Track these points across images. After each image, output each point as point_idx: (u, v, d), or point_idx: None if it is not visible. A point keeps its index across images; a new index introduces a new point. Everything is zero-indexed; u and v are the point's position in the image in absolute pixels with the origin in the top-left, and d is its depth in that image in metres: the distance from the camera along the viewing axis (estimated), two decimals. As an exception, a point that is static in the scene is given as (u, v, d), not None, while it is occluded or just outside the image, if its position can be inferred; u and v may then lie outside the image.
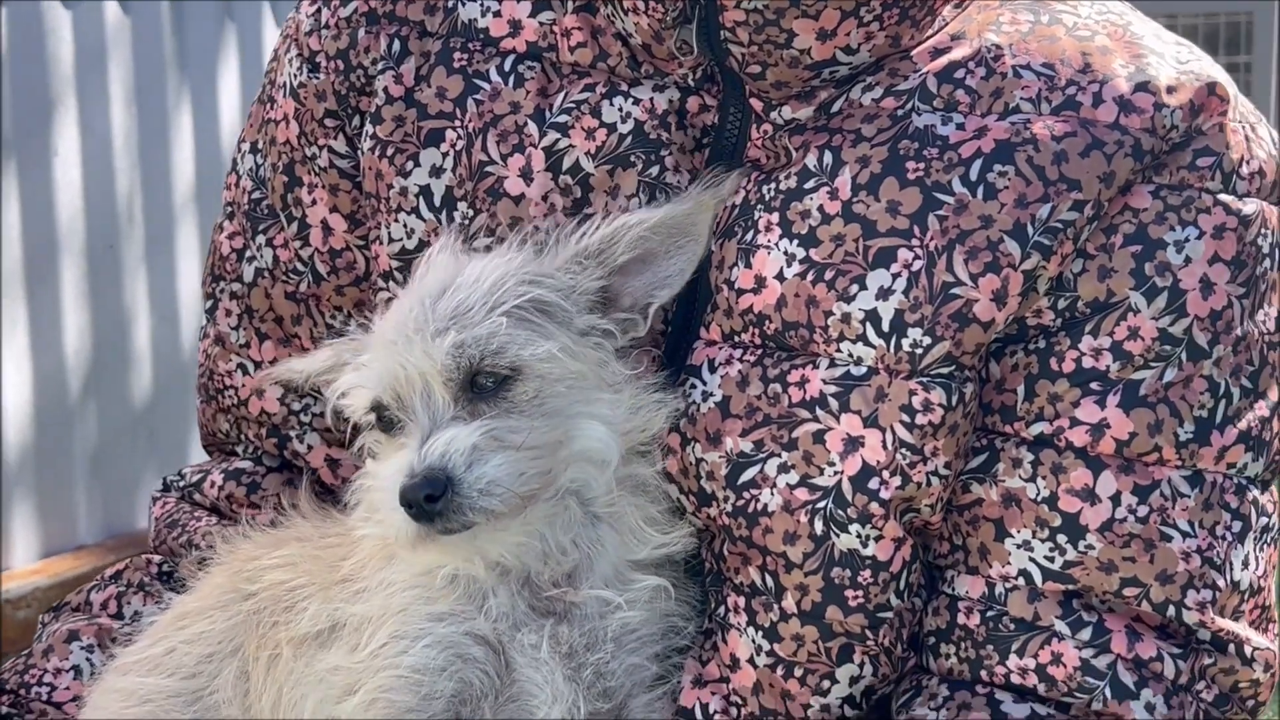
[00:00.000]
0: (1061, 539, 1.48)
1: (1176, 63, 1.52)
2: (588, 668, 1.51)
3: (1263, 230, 1.49)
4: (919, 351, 1.47)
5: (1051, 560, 1.49)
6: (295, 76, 1.77)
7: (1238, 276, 1.48)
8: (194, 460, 4.21)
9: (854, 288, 1.49)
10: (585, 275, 1.49)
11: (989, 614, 1.51)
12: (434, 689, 1.50)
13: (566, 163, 1.61)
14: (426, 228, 1.66)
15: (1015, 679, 1.50)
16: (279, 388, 1.85)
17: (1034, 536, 1.49)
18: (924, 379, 1.47)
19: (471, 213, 1.64)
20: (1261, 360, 1.50)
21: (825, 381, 1.49)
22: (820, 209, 1.51)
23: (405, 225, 1.67)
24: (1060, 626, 1.48)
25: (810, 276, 1.51)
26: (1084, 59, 1.51)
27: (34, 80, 3.61)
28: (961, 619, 1.53)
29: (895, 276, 1.48)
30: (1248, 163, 1.49)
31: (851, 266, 1.50)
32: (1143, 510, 1.47)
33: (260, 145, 1.84)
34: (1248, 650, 1.49)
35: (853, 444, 1.48)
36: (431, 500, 1.38)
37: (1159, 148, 1.48)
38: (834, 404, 1.49)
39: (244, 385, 1.87)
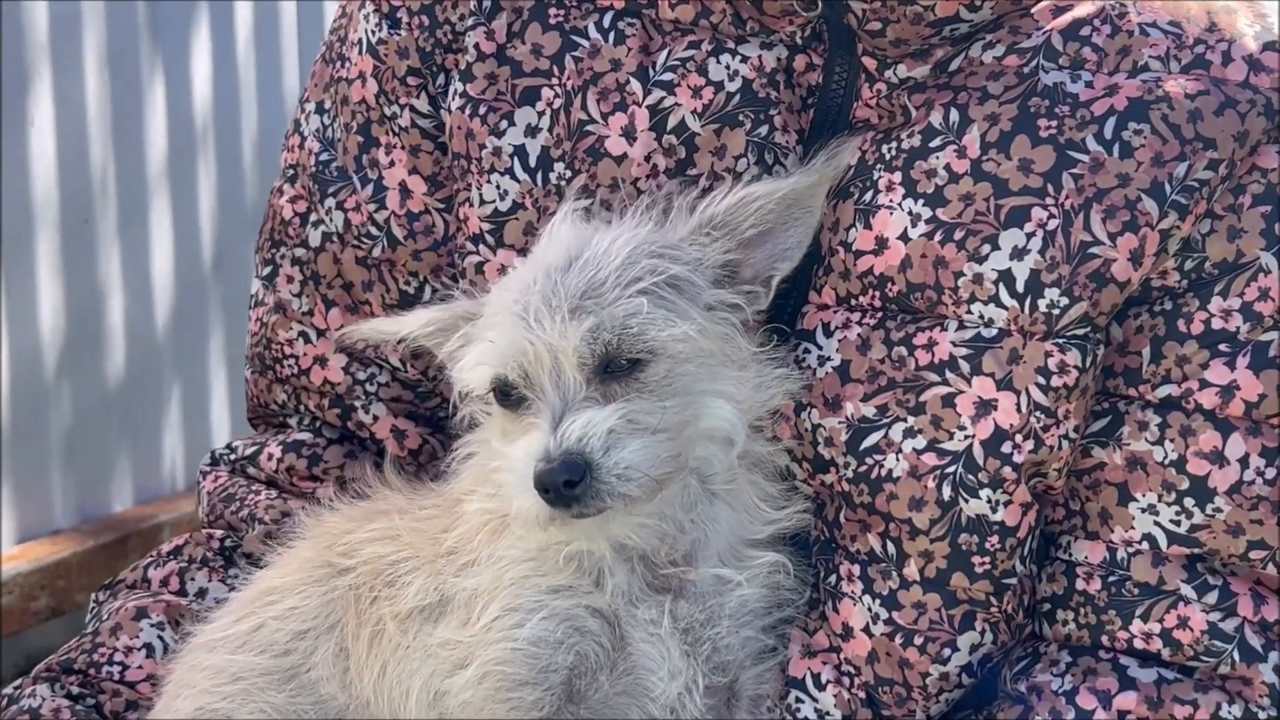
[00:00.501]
0: (1189, 502, 1.47)
1: None
2: (705, 643, 1.48)
3: None
4: (1056, 312, 1.45)
5: (1178, 524, 1.47)
6: (373, 33, 1.70)
7: None
8: (167, 444, 4.13)
9: (986, 247, 1.46)
10: (713, 248, 1.45)
11: (1110, 579, 1.50)
12: (551, 662, 1.45)
13: (671, 122, 1.56)
14: (521, 189, 1.61)
15: (1139, 644, 1.48)
16: (343, 357, 1.79)
17: (1160, 500, 1.48)
18: (1060, 340, 1.45)
19: (569, 173, 1.59)
20: None
21: (955, 344, 1.47)
22: (947, 167, 1.48)
23: (498, 186, 1.62)
24: (1186, 590, 1.47)
25: (938, 236, 1.48)
26: (1209, 17, 1.50)
27: (10, 49, 3.49)
28: (1080, 584, 1.51)
29: (1030, 236, 1.46)
30: None
31: (982, 226, 1.47)
32: (1270, 473, 1.46)
33: (328, 105, 1.77)
34: None
35: (985, 407, 1.46)
36: (570, 485, 1.34)
37: None
38: (965, 366, 1.46)
39: (306, 354, 1.80)
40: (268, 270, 1.84)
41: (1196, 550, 1.48)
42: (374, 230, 1.74)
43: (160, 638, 1.69)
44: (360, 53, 1.72)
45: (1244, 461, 1.46)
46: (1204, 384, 1.47)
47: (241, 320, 4.33)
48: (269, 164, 4.46)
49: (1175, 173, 1.44)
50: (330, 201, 1.76)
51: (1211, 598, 1.47)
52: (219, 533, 1.80)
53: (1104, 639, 1.50)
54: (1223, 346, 1.47)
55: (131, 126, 3.88)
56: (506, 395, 1.42)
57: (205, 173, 4.17)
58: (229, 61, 4.23)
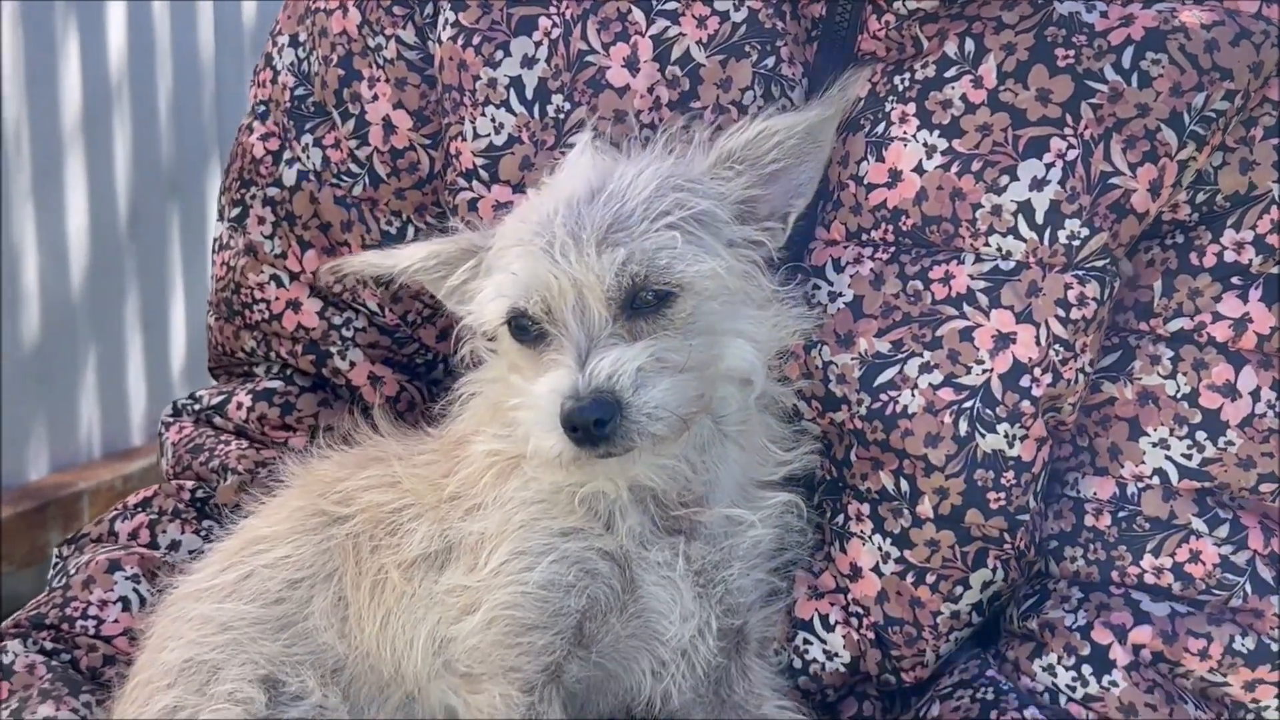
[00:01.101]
0: (1201, 435, 1.47)
1: None
2: (718, 584, 1.44)
3: None
4: (1076, 243, 1.43)
5: (1189, 458, 1.47)
6: None
7: None
8: (84, 410, 4.00)
9: (1004, 179, 1.44)
10: (736, 183, 1.40)
11: (1120, 514, 1.49)
12: (562, 606, 1.41)
13: (676, 52, 1.52)
14: (518, 122, 1.55)
15: (1150, 578, 1.48)
16: (318, 301, 1.73)
17: (1171, 434, 1.47)
18: (1080, 272, 1.44)
19: (569, 105, 1.54)
20: None
21: (972, 277, 1.45)
22: (963, 98, 1.46)
23: (493, 120, 1.56)
24: (1197, 524, 1.47)
25: (955, 168, 1.46)
26: None
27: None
28: (1089, 521, 1.50)
29: (1049, 166, 1.44)
30: None
31: (1000, 157, 1.45)
32: None
33: (303, 38, 1.70)
34: None
35: (1004, 340, 1.44)
36: (600, 425, 1.28)
37: None
38: (983, 300, 1.44)
39: (278, 298, 1.74)
40: (236, 211, 1.76)
41: (1208, 484, 1.47)
42: (355, 168, 1.67)
43: (136, 590, 1.62)
44: None
45: (1255, 394, 1.46)
46: (1217, 317, 1.47)
47: (158, 282, 4.23)
48: (187, 122, 4.33)
49: (1194, 103, 1.43)
50: (307, 138, 1.69)
51: (1223, 531, 1.47)
52: (189, 484, 1.73)
53: (1114, 574, 1.49)
54: (1235, 279, 1.47)
55: (45, 83, 3.75)
56: (524, 330, 1.36)
57: (120, 130, 4.04)
58: (144, 17, 4.10)
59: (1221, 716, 1.47)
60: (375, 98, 1.65)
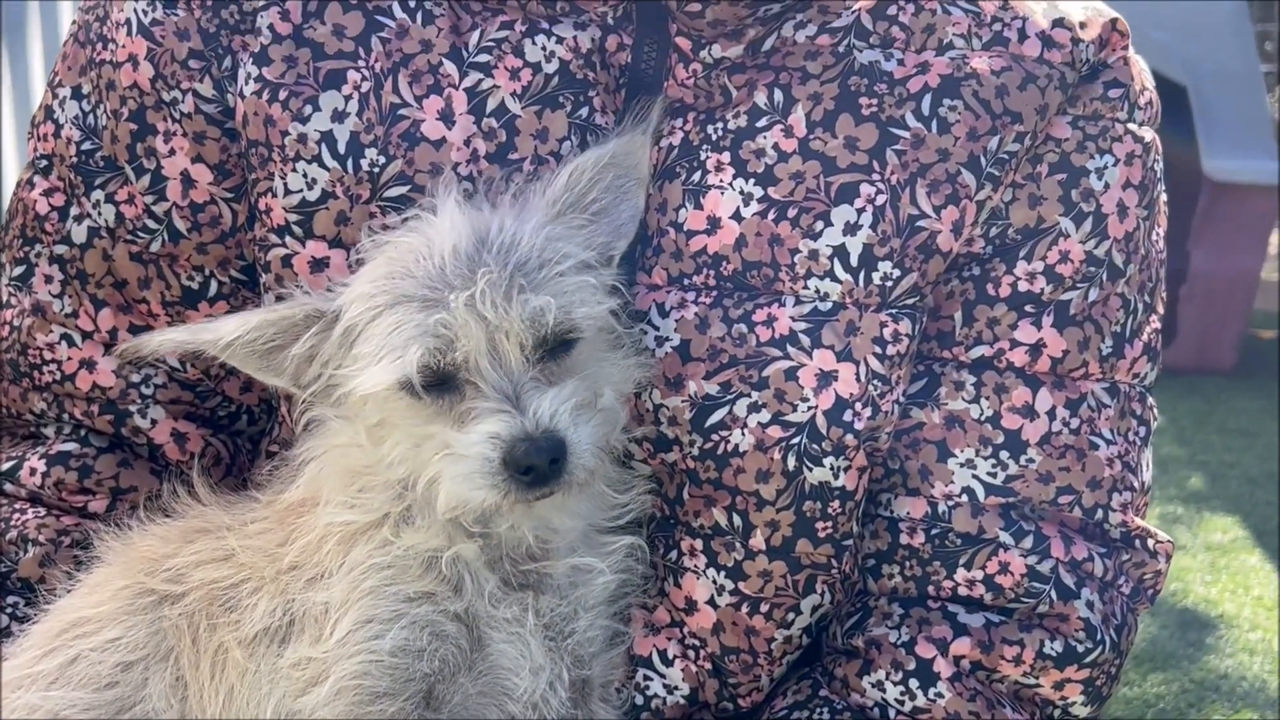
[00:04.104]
0: (1004, 455, 1.56)
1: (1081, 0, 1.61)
2: (569, 636, 1.47)
3: (1157, 156, 1.61)
4: (889, 284, 1.50)
5: (994, 475, 1.57)
6: (145, 13, 1.58)
7: (1143, 200, 1.59)
8: None
9: (819, 224, 1.50)
10: (589, 229, 1.42)
11: (933, 532, 1.58)
12: (413, 671, 1.41)
13: (491, 104, 1.53)
14: (330, 177, 1.53)
15: (963, 590, 1.57)
16: (114, 360, 1.67)
17: (977, 454, 1.57)
18: (893, 310, 1.51)
19: (383, 159, 1.52)
20: (1156, 277, 1.63)
21: (794, 319, 1.50)
22: (775, 147, 1.51)
23: (305, 175, 1.54)
24: (1004, 537, 1.57)
25: (772, 215, 1.51)
26: None
27: None
28: (904, 539, 1.59)
29: (860, 211, 1.50)
30: (1144, 93, 1.61)
31: (814, 203, 1.51)
32: (1074, 422, 1.57)
33: (87, 90, 1.63)
34: (1152, 544, 1.63)
35: (826, 378, 1.50)
36: (554, 463, 1.31)
37: (1075, 80, 1.56)
38: (805, 340, 1.50)
39: (70, 358, 1.67)
40: (20, 270, 1.68)
41: (1012, 499, 1.57)
42: (151, 223, 1.62)
43: None
44: (130, 34, 1.59)
45: (1051, 414, 1.57)
46: (1014, 343, 1.56)
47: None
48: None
49: (989, 146, 1.52)
50: (98, 194, 1.63)
51: (1027, 542, 1.57)
52: (-14, 559, 1.65)
53: (930, 589, 1.58)
54: (1028, 307, 1.56)
55: None
56: (424, 386, 1.35)
57: None
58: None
59: (1034, 716, 1.58)
60: (172, 152, 1.59)
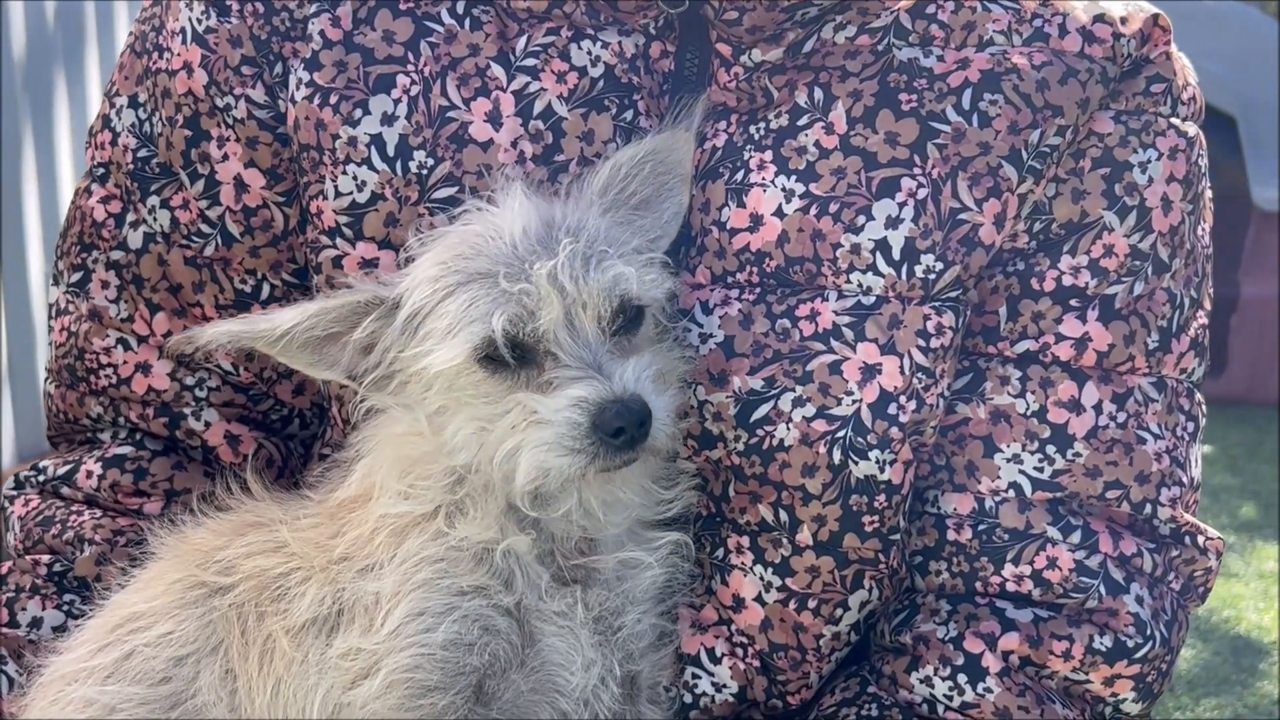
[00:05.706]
0: (1050, 449, 1.56)
1: None
2: (618, 630, 1.47)
3: (1201, 151, 1.62)
4: (932, 277, 1.51)
5: (1041, 470, 1.57)
6: (199, 21, 1.62)
7: (1187, 194, 1.60)
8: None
9: (860, 219, 1.51)
10: (640, 223, 1.45)
11: (980, 527, 1.57)
12: (463, 665, 1.42)
13: (538, 107, 1.55)
14: (380, 179, 1.56)
15: (1011, 586, 1.57)
16: (168, 363, 1.69)
17: (1024, 449, 1.56)
18: (936, 303, 1.52)
19: (431, 161, 1.55)
20: (1202, 271, 1.63)
21: (837, 313, 1.51)
22: (817, 144, 1.53)
23: (355, 177, 1.56)
24: (1052, 532, 1.56)
25: (813, 210, 1.52)
26: None
27: None
28: (951, 535, 1.58)
29: (902, 205, 1.51)
30: (1187, 88, 1.61)
31: (856, 198, 1.52)
32: (1121, 416, 1.57)
33: (143, 99, 1.67)
34: (1202, 541, 1.62)
35: (870, 371, 1.51)
36: (641, 425, 1.33)
37: (1117, 75, 1.57)
38: (849, 334, 1.51)
39: (126, 362, 1.70)
40: (77, 276, 1.72)
41: (1059, 494, 1.57)
42: (205, 228, 1.65)
43: (3, 672, 1.56)
44: (184, 42, 1.62)
45: (1098, 408, 1.57)
46: (1059, 337, 1.57)
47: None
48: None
49: (1030, 139, 1.53)
50: (153, 200, 1.66)
51: (1075, 537, 1.56)
52: (45, 558, 1.68)
53: (978, 585, 1.58)
54: (1073, 301, 1.57)
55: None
56: (496, 360, 1.36)
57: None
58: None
59: (1085, 712, 1.57)
60: (226, 157, 1.63)
